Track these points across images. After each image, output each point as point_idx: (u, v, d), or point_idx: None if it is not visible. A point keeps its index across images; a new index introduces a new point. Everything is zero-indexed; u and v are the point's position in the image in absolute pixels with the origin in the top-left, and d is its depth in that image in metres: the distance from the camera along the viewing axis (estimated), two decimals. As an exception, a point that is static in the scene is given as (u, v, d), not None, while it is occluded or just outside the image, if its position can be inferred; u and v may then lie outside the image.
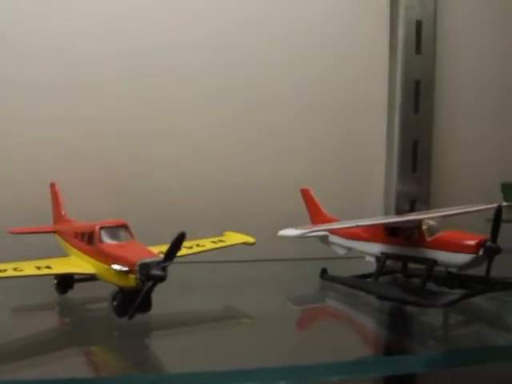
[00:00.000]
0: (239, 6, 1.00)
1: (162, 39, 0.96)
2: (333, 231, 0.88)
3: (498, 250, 0.70)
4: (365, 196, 1.04)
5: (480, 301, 0.76)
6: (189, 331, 0.69)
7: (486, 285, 0.75)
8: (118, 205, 0.94)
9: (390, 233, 0.79)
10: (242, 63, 1.00)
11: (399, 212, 1.01)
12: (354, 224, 0.76)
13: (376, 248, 0.81)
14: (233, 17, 0.99)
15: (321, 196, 0.96)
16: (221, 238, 0.85)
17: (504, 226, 0.99)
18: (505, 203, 0.81)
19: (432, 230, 0.75)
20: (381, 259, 0.80)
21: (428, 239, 0.74)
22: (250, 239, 0.83)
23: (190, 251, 0.79)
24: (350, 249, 0.87)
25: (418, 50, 1.00)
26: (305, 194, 0.95)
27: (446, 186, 1.06)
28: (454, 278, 0.77)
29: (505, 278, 0.76)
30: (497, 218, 0.70)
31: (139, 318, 0.63)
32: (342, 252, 0.89)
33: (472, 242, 0.70)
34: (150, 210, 0.96)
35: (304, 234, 0.70)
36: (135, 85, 0.96)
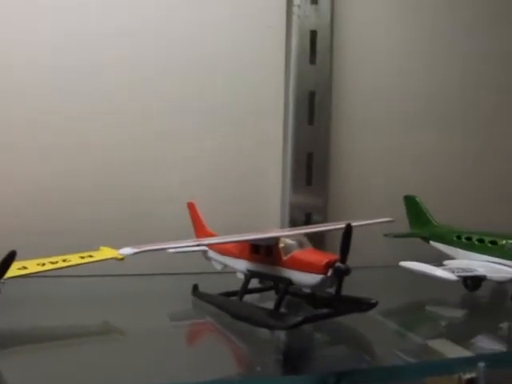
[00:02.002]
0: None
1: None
2: (210, 246, 0.87)
3: (346, 271, 0.68)
4: (261, 209, 1.02)
5: (350, 321, 0.76)
6: (56, 346, 0.68)
7: (351, 304, 0.74)
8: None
9: (254, 250, 0.77)
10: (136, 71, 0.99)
11: (293, 225, 1.00)
12: (194, 243, 0.75)
13: (243, 265, 0.78)
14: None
15: (213, 209, 0.95)
16: (91, 253, 0.83)
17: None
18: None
19: (288, 248, 0.73)
20: (246, 276, 0.78)
21: (284, 258, 0.72)
22: (119, 255, 0.83)
23: (54, 266, 0.78)
24: (225, 265, 0.86)
25: (313, 61, 0.99)
26: (190, 207, 0.93)
27: (345, 198, 1.05)
28: (318, 298, 0.76)
29: (368, 299, 0.75)
30: (346, 238, 0.68)
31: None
32: (219, 267, 0.86)
33: (321, 263, 0.68)
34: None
35: (135, 252, 0.67)
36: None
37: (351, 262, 1.06)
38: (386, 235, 0.99)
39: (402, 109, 1.09)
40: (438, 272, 0.79)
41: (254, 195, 1.03)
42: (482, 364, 0.65)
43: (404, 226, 1.04)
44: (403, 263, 0.83)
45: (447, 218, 1.01)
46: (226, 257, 0.84)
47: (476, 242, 0.91)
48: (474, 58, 1.14)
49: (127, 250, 0.69)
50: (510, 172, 1.18)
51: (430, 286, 0.89)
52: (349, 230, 0.68)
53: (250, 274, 0.78)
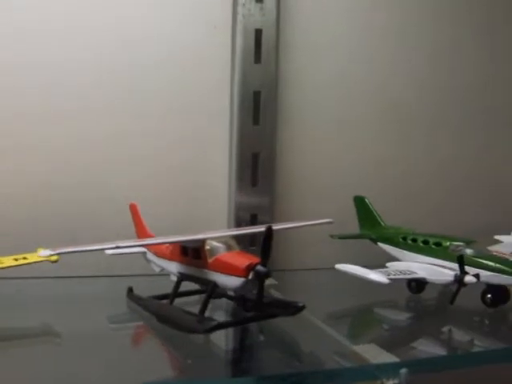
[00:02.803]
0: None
1: None
2: (150, 248, 0.86)
3: (267, 274, 0.67)
4: (208, 210, 1.00)
5: (285, 323, 0.75)
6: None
7: (277, 308, 0.73)
8: None
9: (184, 252, 0.76)
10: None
11: (239, 226, 0.98)
12: (111, 245, 0.70)
13: (175, 267, 0.78)
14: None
15: (159, 210, 0.95)
16: (25, 255, 0.81)
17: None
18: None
19: (213, 251, 0.71)
20: (178, 279, 0.77)
21: (209, 260, 0.71)
22: (53, 257, 0.82)
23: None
24: (162, 267, 0.85)
25: (258, 60, 0.97)
26: (132, 209, 0.92)
27: (292, 198, 1.04)
28: (247, 300, 0.74)
29: (296, 302, 0.74)
30: (266, 241, 0.66)
31: None
32: (157, 270, 0.85)
33: (242, 266, 0.67)
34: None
35: (51, 254, 0.66)
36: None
37: (303, 263, 1.08)
38: (331, 236, 0.98)
39: (351, 108, 1.07)
40: (371, 275, 0.77)
41: (200, 196, 1.01)
42: (404, 370, 0.64)
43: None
44: (338, 266, 0.82)
45: (398, 220, 1.00)
46: (161, 259, 0.83)
47: (421, 244, 0.90)
48: (424, 56, 1.12)
49: (45, 252, 0.68)
50: (462, 171, 1.16)
51: (378, 289, 0.87)
52: (269, 232, 0.67)
53: (180, 277, 0.77)
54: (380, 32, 1.10)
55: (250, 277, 0.67)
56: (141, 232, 0.90)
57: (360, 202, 1.02)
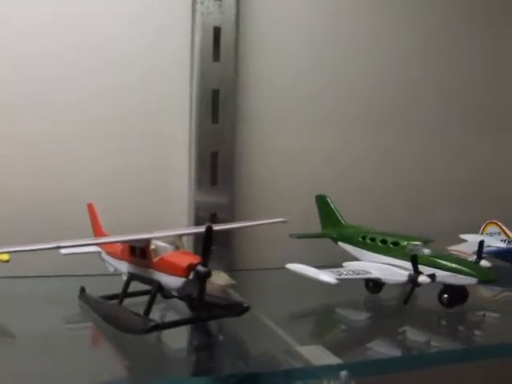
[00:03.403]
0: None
1: None
2: (103, 247, 0.85)
3: (207, 274, 0.66)
4: (169, 209, 0.99)
5: (235, 324, 0.75)
6: None
7: (221, 309, 0.72)
8: None
9: (132, 252, 0.75)
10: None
11: (198, 225, 0.97)
12: (51, 245, 0.69)
13: (125, 267, 0.77)
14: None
15: (119, 209, 0.95)
16: (-24, 255, 0.83)
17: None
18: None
19: (158, 250, 0.70)
20: (127, 279, 0.76)
21: (154, 260, 0.70)
22: (5, 257, 0.81)
23: None
24: (115, 267, 0.84)
25: (216, 58, 0.96)
26: (90, 209, 0.91)
27: (253, 197, 1.03)
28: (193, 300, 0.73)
29: (241, 303, 0.73)
30: (206, 240, 0.65)
31: None
32: (111, 269, 0.84)
33: (183, 266, 0.66)
34: None
35: None
36: None
37: (265, 263, 1.07)
38: (290, 236, 0.98)
39: (312, 107, 1.06)
40: (320, 275, 0.76)
41: (161, 196, 1.00)
42: (344, 372, 0.63)
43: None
44: (289, 265, 0.81)
45: (360, 218, 0.99)
46: (113, 258, 0.82)
47: (379, 243, 0.89)
48: (390, 55, 1.11)
49: None
50: (421, 171, 1.16)
51: (339, 289, 0.86)
52: (209, 232, 0.66)
53: (129, 277, 0.76)
54: (343, 31, 1.09)
55: (191, 277, 0.66)
56: (96, 231, 0.89)
57: (322, 201, 1.01)
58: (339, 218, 0.99)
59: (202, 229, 0.78)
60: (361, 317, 0.86)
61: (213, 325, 0.76)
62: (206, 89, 0.96)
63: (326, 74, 1.07)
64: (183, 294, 0.71)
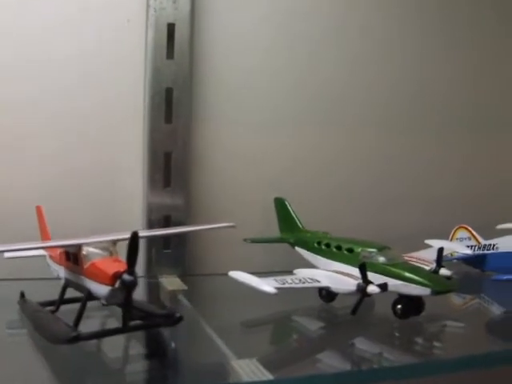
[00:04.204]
0: None
1: None
2: (48, 251, 0.83)
3: (132, 283, 0.63)
4: (123, 211, 0.96)
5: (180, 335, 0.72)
6: None
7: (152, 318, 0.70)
8: None
9: (68, 257, 0.72)
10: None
11: (151, 227, 0.94)
12: None
13: (62, 272, 0.74)
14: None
15: (72, 211, 0.93)
16: None
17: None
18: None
19: (89, 256, 0.67)
20: (63, 285, 0.74)
21: (85, 266, 0.67)
22: None
23: None
24: (56, 271, 0.81)
25: (170, 55, 0.92)
26: (38, 211, 0.88)
27: (209, 200, 1.00)
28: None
29: (173, 313, 0.70)
30: (131, 247, 0.62)
31: None
32: (55, 274, 0.82)
33: (109, 273, 0.63)
34: None
35: None
36: None
37: (223, 267, 1.03)
38: (245, 240, 0.94)
39: (271, 105, 1.03)
40: (259, 284, 0.72)
41: (115, 197, 0.97)
42: (270, 390, 0.60)
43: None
44: (231, 273, 0.77)
45: (325, 223, 0.96)
46: (54, 263, 0.79)
47: (334, 250, 0.85)
48: (354, 54, 1.08)
49: None
50: (390, 173, 1.13)
51: (297, 296, 0.83)
52: (134, 239, 0.63)
53: (65, 283, 0.74)
54: (301, 27, 1.06)
55: (117, 285, 0.64)
56: (43, 234, 0.87)
57: (280, 204, 0.98)
58: (297, 222, 0.95)
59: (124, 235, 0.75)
60: (311, 327, 0.82)
61: (150, 334, 0.74)
62: (160, 87, 0.93)
63: (285, 72, 1.04)
64: (111, 303, 0.69)
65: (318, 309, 0.85)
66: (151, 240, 0.94)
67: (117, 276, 0.63)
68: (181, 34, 0.92)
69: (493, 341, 0.81)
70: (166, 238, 0.94)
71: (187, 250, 0.96)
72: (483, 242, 1.03)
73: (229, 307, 0.87)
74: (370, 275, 0.77)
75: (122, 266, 0.64)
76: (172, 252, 0.95)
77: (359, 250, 0.82)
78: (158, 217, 0.94)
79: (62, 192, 0.95)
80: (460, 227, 1.07)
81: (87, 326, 0.72)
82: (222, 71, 1.00)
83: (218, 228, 0.80)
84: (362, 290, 0.75)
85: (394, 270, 0.78)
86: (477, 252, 1.03)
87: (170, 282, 0.91)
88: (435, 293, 0.76)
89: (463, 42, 1.18)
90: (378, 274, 0.78)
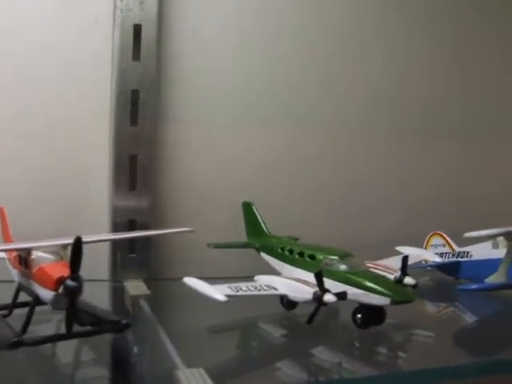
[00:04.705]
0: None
1: None
2: (7, 254, 0.82)
3: (76, 288, 0.62)
4: (89, 214, 0.95)
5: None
6: None
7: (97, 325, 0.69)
8: None
9: (20, 261, 0.71)
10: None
11: (116, 231, 0.93)
12: None
13: (16, 276, 0.74)
14: None
15: (38, 214, 0.92)
16: None
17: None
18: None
19: (37, 261, 0.66)
20: (16, 288, 0.73)
21: (33, 271, 0.66)
22: None
23: None
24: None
25: (137, 57, 0.91)
26: (0, 212, 0.88)
27: (175, 203, 0.98)
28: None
29: (118, 320, 0.69)
30: (75, 252, 0.61)
31: None
32: (16, 279, 0.82)
33: (53, 278, 0.62)
34: None
35: None
36: None
37: (191, 272, 1.02)
38: (208, 245, 0.93)
39: (241, 107, 1.02)
40: (210, 292, 0.71)
41: (81, 200, 0.96)
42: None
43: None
44: (186, 279, 0.76)
45: (294, 227, 0.95)
46: (11, 266, 0.78)
47: (296, 256, 0.84)
48: (328, 54, 1.07)
49: None
50: (365, 179, 1.11)
51: (264, 303, 0.81)
52: (77, 243, 0.62)
53: (18, 286, 0.73)
54: (267, 27, 1.04)
55: (60, 291, 0.63)
56: (5, 237, 0.86)
57: (247, 209, 0.96)
58: (263, 227, 0.93)
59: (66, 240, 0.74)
60: (271, 335, 0.80)
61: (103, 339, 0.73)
62: (125, 89, 0.91)
63: (256, 72, 1.03)
64: (56, 308, 0.68)
65: (281, 316, 0.83)
66: (116, 244, 0.93)
67: (60, 281, 0.63)
68: (147, 35, 0.91)
69: (461, 352, 0.78)
70: (131, 242, 0.93)
71: (153, 254, 0.95)
72: (457, 249, 1.01)
73: (190, 313, 0.85)
74: (331, 283, 0.76)
75: (65, 272, 0.64)
76: (137, 256, 0.94)
77: (321, 257, 0.81)
78: (123, 220, 0.93)
79: (25, 194, 0.94)
80: (434, 233, 1.05)
81: (45, 330, 0.73)
82: (191, 72, 0.99)
83: (176, 233, 0.79)
84: (318, 299, 0.74)
85: (354, 278, 0.76)
86: (451, 259, 1.01)
87: (134, 287, 0.90)
88: (395, 302, 0.74)
89: (446, 42, 1.16)
90: (339, 282, 0.77)
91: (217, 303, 0.85)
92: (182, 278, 0.96)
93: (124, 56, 0.91)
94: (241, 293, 0.74)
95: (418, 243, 1.05)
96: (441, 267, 1.02)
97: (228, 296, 0.70)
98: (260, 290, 0.76)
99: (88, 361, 0.72)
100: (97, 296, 0.93)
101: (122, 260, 0.94)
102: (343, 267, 0.78)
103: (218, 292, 0.71)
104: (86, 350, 0.72)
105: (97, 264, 0.93)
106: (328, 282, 0.76)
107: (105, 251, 0.93)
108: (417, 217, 1.12)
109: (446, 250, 1.02)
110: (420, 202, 1.14)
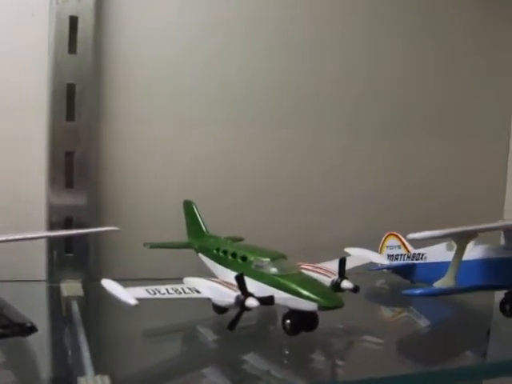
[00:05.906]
0: None
1: None
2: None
3: None
4: (25, 212, 0.92)
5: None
6: None
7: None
8: None
9: None
10: None
11: (52, 229, 0.90)
12: None
13: None
14: None
15: None
16: None
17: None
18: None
19: None
20: None
21: None
22: None
23: None
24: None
25: (73, 50, 0.88)
26: None
27: (114, 201, 0.95)
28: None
29: (24, 323, 0.66)
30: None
31: None
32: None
33: None
34: None
35: None
36: None
37: (134, 273, 0.99)
38: (144, 245, 0.90)
39: (188, 101, 0.98)
40: (121, 295, 0.68)
41: (17, 198, 0.92)
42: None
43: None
44: (103, 281, 0.72)
45: (240, 228, 0.92)
46: None
47: (229, 257, 0.80)
48: (279, 45, 1.03)
49: None
50: (318, 175, 1.07)
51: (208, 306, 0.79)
52: None
53: None
54: (221, 15, 1.00)
55: None
56: None
57: (188, 208, 0.93)
58: (202, 226, 0.90)
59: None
60: (200, 340, 0.77)
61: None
62: (61, 83, 0.88)
63: (204, 64, 0.99)
64: None
65: (216, 320, 0.80)
66: (52, 242, 0.90)
67: None
68: (84, 28, 0.88)
69: (406, 362, 0.74)
70: (67, 241, 0.90)
71: (91, 254, 0.92)
72: (413, 250, 0.97)
73: (121, 316, 0.82)
74: (261, 287, 0.73)
75: None
76: (75, 256, 0.91)
77: (252, 258, 0.77)
78: (59, 219, 0.90)
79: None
80: (390, 234, 1.01)
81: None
82: (133, 65, 0.96)
83: (101, 232, 0.77)
84: (240, 304, 0.71)
85: (282, 281, 0.72)
86: (404, 261, 0.97)
87: (68, 288, 0.87)
88: (323, 308, 0.71)
89: (418, 43, 1.12)
90: (268, 285, 0.74)
91: (153, 305, 0.84)
92: (123, 279, 0.95)
93: (60, 49, 0.88)
94: (158, 296, 0.71)
95: (377, 244, 1.03)
96: (395, 270, 0.98)
97: (141, 300, 0.68)
98: (181, 293, 0.73)
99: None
100: (33, 297, 0.91)
101: (59, 260, 0.91)
102: (273, 270, 0.75)
103: (129, 296, 0.68)
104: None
105: (35, 264, 0.91)
106: (257, 286, 0.73)
107: (41, 250, 0.91)
108: (377, 217, 1.09)
109: (401, 251, 0.98)
110: (379, 203, 1.10)
